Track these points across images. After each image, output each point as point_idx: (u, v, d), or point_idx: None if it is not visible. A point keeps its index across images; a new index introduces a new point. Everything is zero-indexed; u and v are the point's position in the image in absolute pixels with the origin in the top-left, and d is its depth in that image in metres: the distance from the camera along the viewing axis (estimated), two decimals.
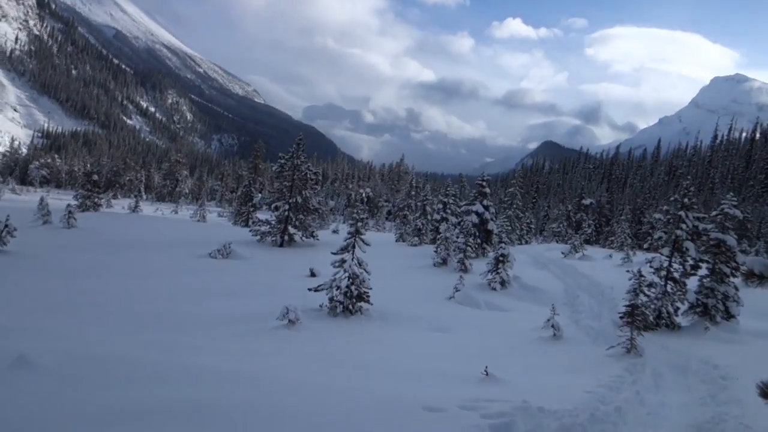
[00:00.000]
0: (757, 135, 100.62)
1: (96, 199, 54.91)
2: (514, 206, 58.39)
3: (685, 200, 19.19)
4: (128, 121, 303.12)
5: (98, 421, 5.28)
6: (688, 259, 19.04)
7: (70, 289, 18.60)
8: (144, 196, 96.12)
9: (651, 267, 19.04)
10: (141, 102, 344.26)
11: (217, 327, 14.43)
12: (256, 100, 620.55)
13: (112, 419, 5.36)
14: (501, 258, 25.61)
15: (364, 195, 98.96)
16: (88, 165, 76.26)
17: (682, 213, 19.01)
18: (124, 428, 5.21)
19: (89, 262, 24.91)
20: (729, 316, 18.89)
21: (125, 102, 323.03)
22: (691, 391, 10.64)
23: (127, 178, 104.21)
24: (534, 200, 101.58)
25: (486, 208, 37.35)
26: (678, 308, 18.98)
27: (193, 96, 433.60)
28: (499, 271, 25.50)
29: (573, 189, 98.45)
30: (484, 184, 38.26)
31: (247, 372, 8.46)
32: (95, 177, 56.07)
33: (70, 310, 15.10)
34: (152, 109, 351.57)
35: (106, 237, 35.11)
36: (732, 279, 19.01)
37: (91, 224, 39.52)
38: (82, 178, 61.84)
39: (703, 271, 19.49)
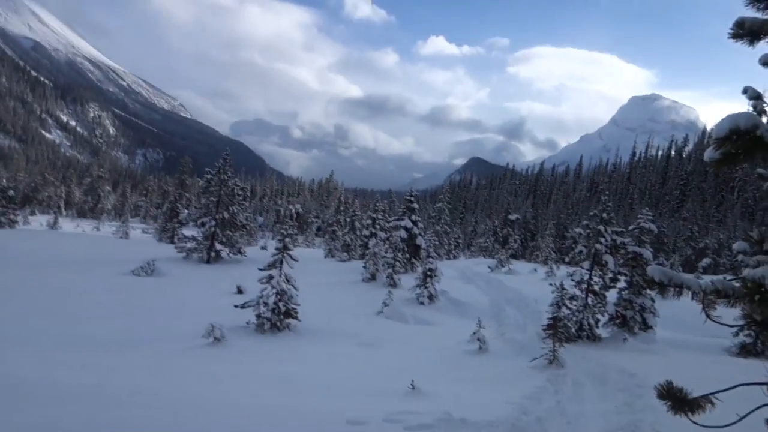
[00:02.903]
0: (672, 153, 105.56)
1: (12, 216, 52.60)
2: (442, 221, 59.15)
3: (604, 215, 19.86)
4: (47, 135, 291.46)
5: None
6: (608, 272, 19.69)
7: None
8: (64, 213, 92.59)
9: (572, 280, 19.60)
10: (61, 116, 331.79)
11: (139, 346, 13.99)
12: (182, 114, 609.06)
13: None
14: (429, 273, 25.85)
15: (293, 211, 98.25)
16: (4, 180, 72.72)
17: (601, 227, 19.66)
18: None
19: (0, 281, 23.74)
20: (646, 327, 19.61)
21: (44, 115, 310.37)
22: (609, 399, 10.97)
23: (46, 193, 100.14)
24: (462, 215, 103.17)
25: (414, 223, 37.67)
26: (598, 320, 19.57)
27: (116, 110, 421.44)
28: (427, 285, 25.73)
29: (500, 204, 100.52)
30: (413, 199, 38.60)
31: (166, 392, 8.24)
32: (11, 192, 53.74)
33: None
34: (73, 123, 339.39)
35: (21, 255, 33.59)
36: (648, 291, 19.76)
37: (6, 241, 37.80)
38: None
39: (621, 284, 20.20)
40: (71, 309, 18.93)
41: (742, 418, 3.38)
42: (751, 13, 3.45)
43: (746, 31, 3.26)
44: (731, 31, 3.31)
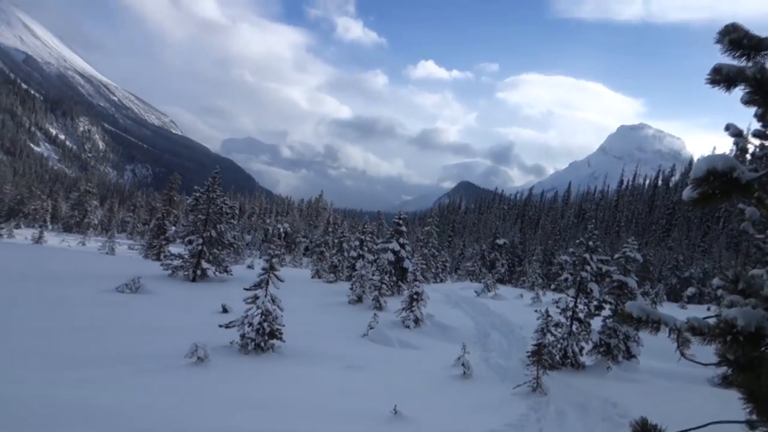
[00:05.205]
0: (659, 182, 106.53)
1: None
2: (430, 245, 59.20)
3: (590, 243, 20.00)
4: (36, 149, 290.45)
5: None
6: (593, 299, 19.79)
7: None
8: (50, 226, 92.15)
9: (558, 307, 19.68)
10: (50, 129, 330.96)
11: (120, 364, 13.87)
12: (172, 131, 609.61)
13: None
14: (415, 296, 25.85)
15: (281, 230, 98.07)
16: None
17: (587, 255, 19.80)
18: None
19: None
20: (630, 355, 19.68)
21: (33, 128, 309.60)
22: (590, 428, 11.00)
23: (32, 207, 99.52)
24: (450, 239, 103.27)
25: (402, 246, 37.73)
26: (583, 348, 19.63)
27: (106, 124, 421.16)
28: (413, 309, 25.71)
29: (488, 229, 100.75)
30: (401, 222, 38.69)
31: (140, 413, 8.20)
32: None
33: None
34: (62, 137, 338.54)
35: (2, 269, 33.27)
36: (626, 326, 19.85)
37: None
38: None
39: (606, 312, 20.30)
40: (50, 325, 18.72)
41: None
42: (728, 60, 3.56)
43: (723, 78, 3.37)
44: (708, 78, 3.41)
